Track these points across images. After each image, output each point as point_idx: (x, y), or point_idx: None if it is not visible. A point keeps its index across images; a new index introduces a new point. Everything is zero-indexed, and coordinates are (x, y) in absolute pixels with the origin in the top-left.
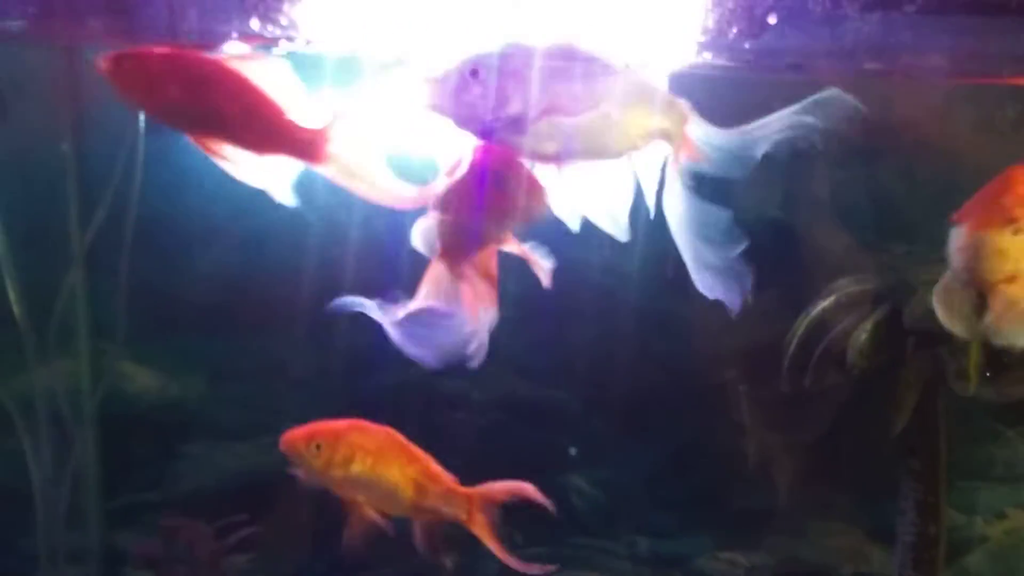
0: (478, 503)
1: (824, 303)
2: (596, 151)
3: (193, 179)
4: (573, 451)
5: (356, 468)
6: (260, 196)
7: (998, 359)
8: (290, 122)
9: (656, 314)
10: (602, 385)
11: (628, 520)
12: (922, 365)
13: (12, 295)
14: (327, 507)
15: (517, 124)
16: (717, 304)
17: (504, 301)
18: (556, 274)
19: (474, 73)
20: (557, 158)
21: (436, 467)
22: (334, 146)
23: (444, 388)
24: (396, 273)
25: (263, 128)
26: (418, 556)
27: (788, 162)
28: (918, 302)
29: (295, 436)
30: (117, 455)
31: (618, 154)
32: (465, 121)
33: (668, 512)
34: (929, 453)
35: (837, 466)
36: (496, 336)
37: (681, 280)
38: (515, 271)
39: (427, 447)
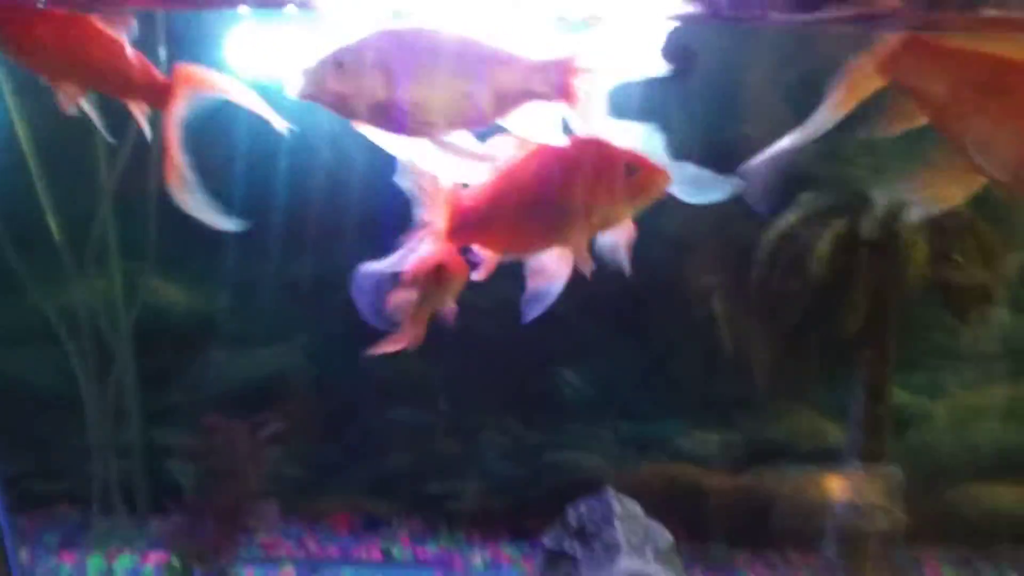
0: None
1: (791, 216)
2: (468, 120)
3: (213, 113)
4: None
5: None
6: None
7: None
8: (144, 70)
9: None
10: (593, 290)
11: (614, 407)
12: (874, 271)
13: (52, 223)
14: (340, 404)
15: (387, 108)
16: (693, 216)
17: None
18: None
19: (339, 65)
20: (430, 131)
21: None
22: (181, 90)
23: None
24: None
25: (121, 76)
26: (427, 448)
27: (761, 84)
28: (872, 214)
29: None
30: (151, 361)
31: (489, 119)
32: (336, 109)
33: (651, 399)
34: (878, 346)
35: (800, 357)
36: None
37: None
38: None
39: (437, 350)
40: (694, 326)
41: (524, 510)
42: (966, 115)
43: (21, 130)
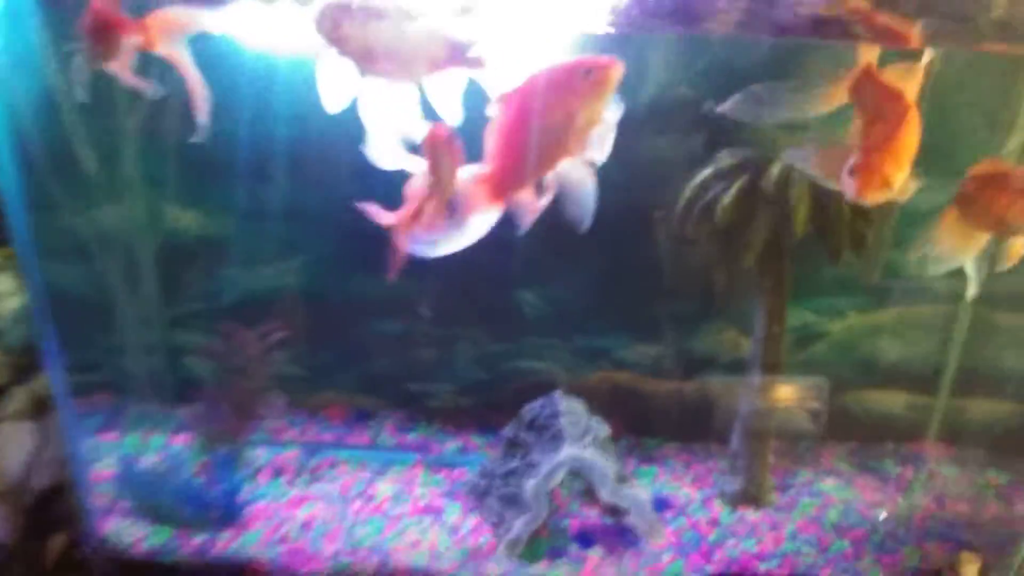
0: None
1: (706, 171)
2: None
3: (228, 59)
4: None
5: None
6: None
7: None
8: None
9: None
10: (547, 223)
11: (567, 324)
12: (769, 217)
13: (85, 157)
14: (336, 316)
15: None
16: (644, 163)
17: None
18: None
19: (347, 10)
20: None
21: None
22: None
23: None
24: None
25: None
26: (410, 355)
27: (689, 48)
28: (771, 171)
29: None
30: (174, 275)
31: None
32: (341, 47)
33: (599, 317)
34: (774, 275)
35: (720, 284)
36: None
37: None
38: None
39: (411, 274)
40: (637, 256)
41: (489, 407)
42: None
43: (61, 83)
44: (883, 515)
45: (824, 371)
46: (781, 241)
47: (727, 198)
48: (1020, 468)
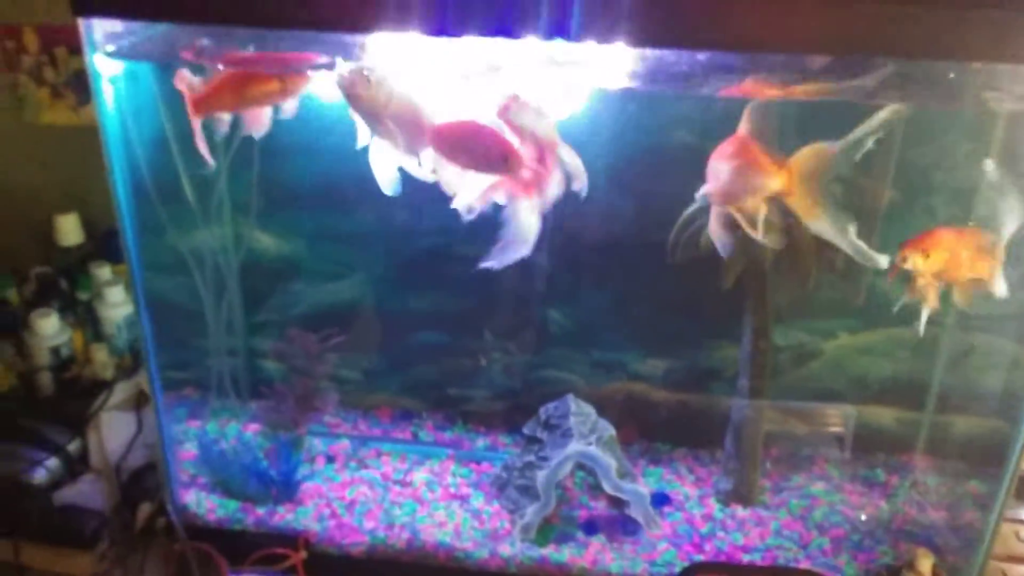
0: None
1: (692, 207)
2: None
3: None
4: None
5: None
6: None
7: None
8: None
9: (602, 208)
10: (570, 251)
11: (588, 339)
12: (744, 244)
13: (187, 188)
14: (385, 326)
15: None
16: (646, 199)
17: None
18: None
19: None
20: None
21: None
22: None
23: (459, 252)
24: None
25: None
26: (448, 363)
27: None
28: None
29: None
30: (252, 290)
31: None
32: (356, 107)
33: (616, 333)
34: (757, 298)
35: (715, 305)
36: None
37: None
38: None
39: (448, 293)
40: (649, 279)
41: (516, 411)
42: None
43: (167, 125)
44: (863, 517)
45: (817, 385)
46: (758, 265)
47: (706, 229)
48: (999, 479)
